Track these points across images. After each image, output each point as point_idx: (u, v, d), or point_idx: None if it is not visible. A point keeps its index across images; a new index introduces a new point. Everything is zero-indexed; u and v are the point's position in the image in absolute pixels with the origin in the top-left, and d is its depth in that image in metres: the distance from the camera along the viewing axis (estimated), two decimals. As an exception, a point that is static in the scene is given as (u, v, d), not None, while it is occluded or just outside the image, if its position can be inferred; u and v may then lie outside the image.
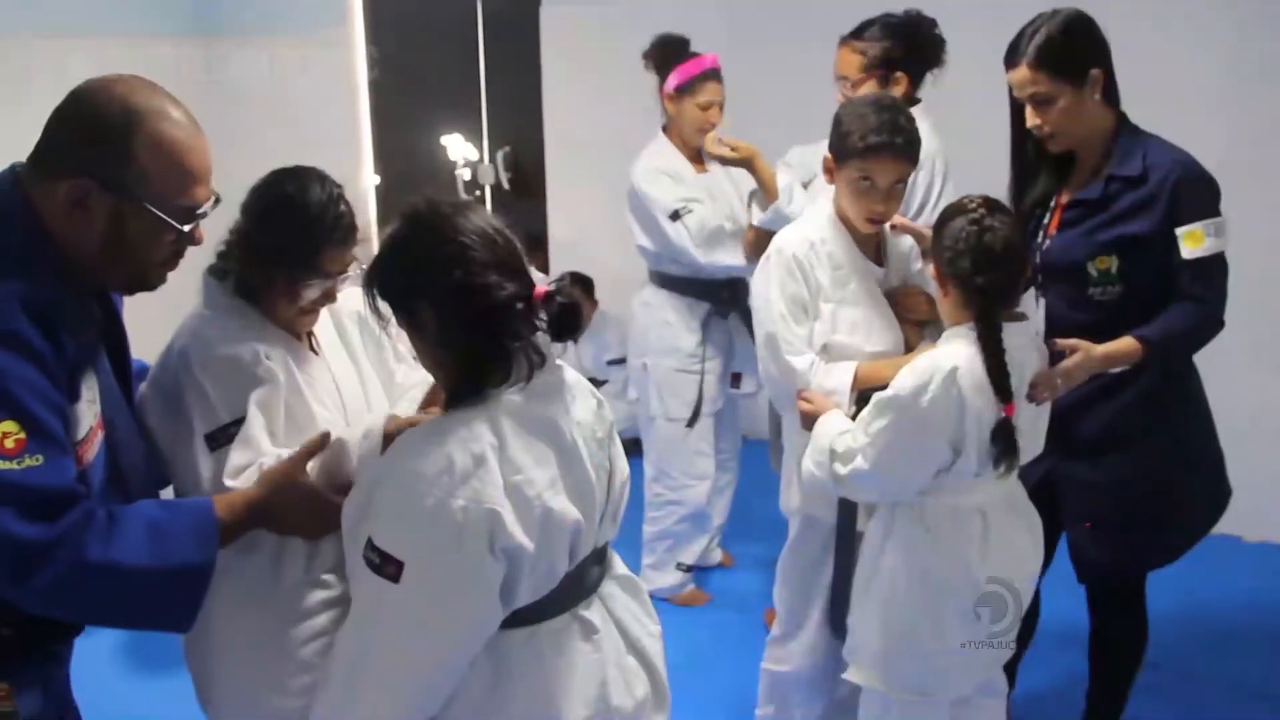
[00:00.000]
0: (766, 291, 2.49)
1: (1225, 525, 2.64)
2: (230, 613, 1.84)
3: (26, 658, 1.67)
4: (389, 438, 1.76)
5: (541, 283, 1.61)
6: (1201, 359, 2.54)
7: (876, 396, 2.18)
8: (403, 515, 1.50)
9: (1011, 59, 2.43)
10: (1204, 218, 2.35)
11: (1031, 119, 2.44)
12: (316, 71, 6.48)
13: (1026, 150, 2.56)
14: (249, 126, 7.11)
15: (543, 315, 1.59)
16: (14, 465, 1.45)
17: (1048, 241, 2.53)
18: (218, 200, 1.71)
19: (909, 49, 3.10)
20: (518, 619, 1.59)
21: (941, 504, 2.21)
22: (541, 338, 1.62)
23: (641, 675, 1.76)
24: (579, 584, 1.67)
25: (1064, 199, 2.53)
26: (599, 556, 1.73)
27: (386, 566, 1.49)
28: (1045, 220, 2.55)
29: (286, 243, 1.85)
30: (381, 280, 1.60)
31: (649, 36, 3.58)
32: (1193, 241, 2.35)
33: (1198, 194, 2.38)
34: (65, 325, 1.54)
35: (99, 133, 1.57)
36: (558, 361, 1.68)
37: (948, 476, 2.17)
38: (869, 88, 3.11)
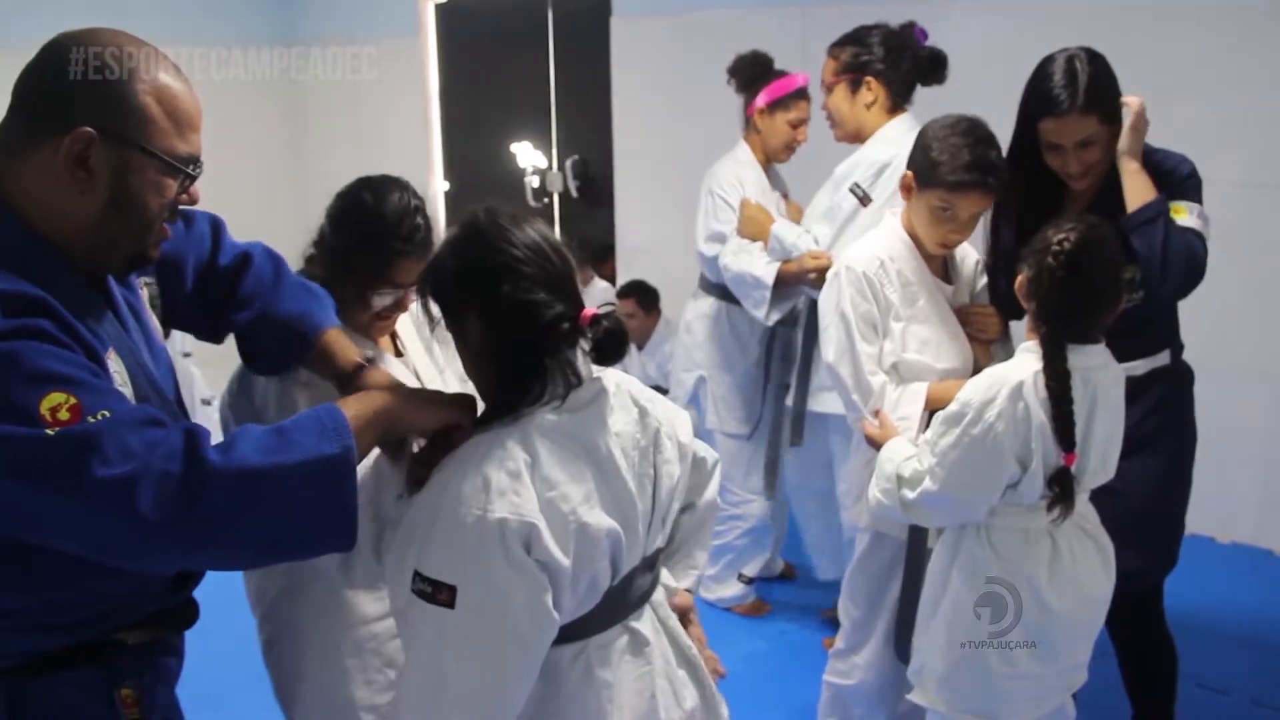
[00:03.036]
0: (837, 309, 2.48)
1: (1198, 526, 2.65)
2: (313, 612, 1.89)
3: (150, 661, 1.62)
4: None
5: (596, 300, 1.58)
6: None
7: (941, 413, 2.16)
8: (446, 539, 1.47)
9: (1057, 108, 2.37)
10: (1192, 201, 2.39)
11: (1076, 165, 2.41)
12: (389, 80, 6.58)
13: (1040, 186, 2.51)
14: (323, 133, 7.25)
15: (588, 337, 1.55)
16: (57, 429, 1.29)
17: None
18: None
19: (883, 56, 3.11)
20: (566, 634, 1.57)
21: (1010, 526, 2.17)
22: (582, 356, 1.59)
23: (691, 686, 1.74)
24: (628, 595, 1.65)
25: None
26: (649, 565, 1.70)
27: (439, 594, 1.45)
28: None
29: (357, 250, 1.86)
30: (434, 284, 1.59)
31: (718, 48, 3.61)
32: (1176, 213, 2.36)
33: (1194, 184, 2.42)
34: (73, 313, 1.41)
35: (106, 94, 1.44)
36: (595, 374, 1.64)
37: (1014, 494, 2.14)
38: (840, 91, 3.18)
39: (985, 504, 2.15)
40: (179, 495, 1.28)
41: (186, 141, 1.52)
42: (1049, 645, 2.19)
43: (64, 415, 1.29)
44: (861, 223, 3.09)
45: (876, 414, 2.42)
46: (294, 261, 2.00)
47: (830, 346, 2.51)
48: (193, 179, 1.54)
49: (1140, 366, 2.47)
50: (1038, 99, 2.42)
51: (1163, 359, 2.52)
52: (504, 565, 1.46)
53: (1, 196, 1.43)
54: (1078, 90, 2.36)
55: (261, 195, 7.02)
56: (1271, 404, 4.03)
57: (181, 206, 1.57)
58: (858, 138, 3.21)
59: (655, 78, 5.43)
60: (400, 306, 1.95)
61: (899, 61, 3.13)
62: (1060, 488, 2.10)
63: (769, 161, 3.63)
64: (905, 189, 2.44)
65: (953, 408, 2.13)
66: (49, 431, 1.27)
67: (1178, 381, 2.57)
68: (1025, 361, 2.12)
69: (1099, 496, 2.48)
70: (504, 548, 1.45)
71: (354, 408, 1.47)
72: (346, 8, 6.91)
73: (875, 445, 2.38)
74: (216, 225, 1.84)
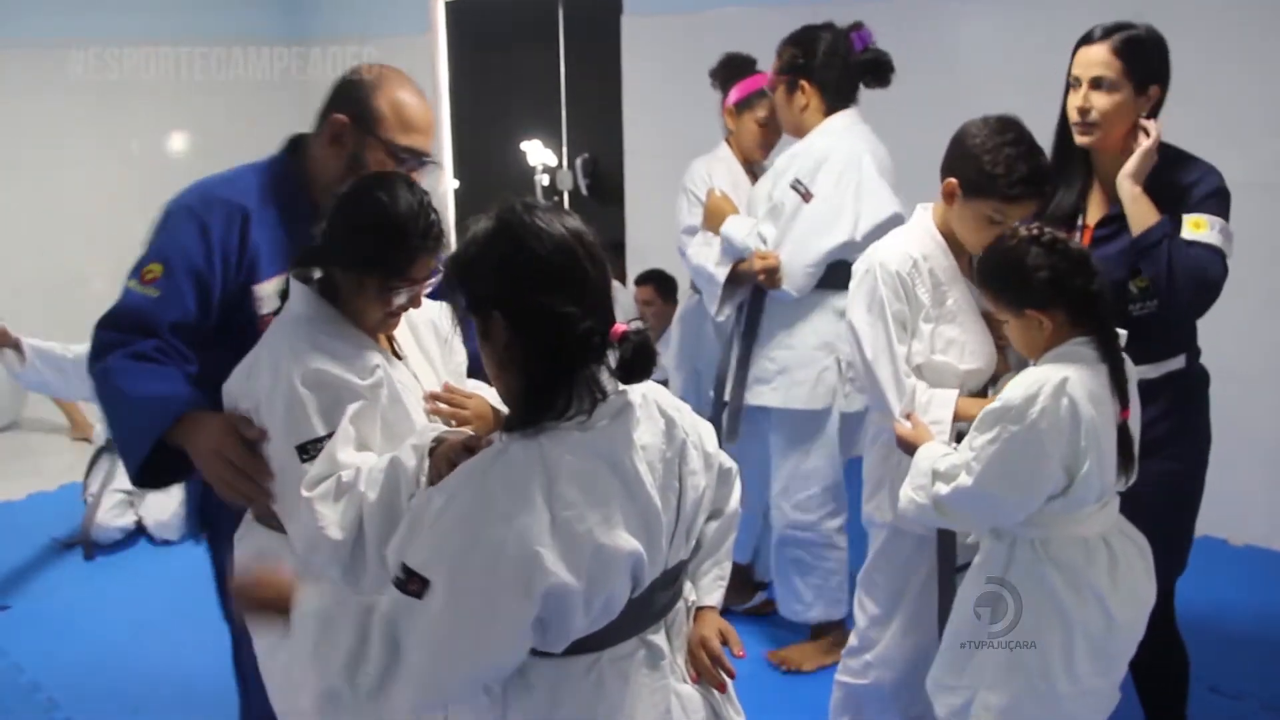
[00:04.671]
0: (874, 307, 2.43)
1: (1213, 528, 2.61)
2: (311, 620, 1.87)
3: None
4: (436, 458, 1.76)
5: (619, 303, 1.56)
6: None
7: (984, 411, 2.09)
8: (441, 544, 1.46)
9: (1090, 39, 2.42)
10: (1215, 215, 2.35)
11: (1081, 100, 2.41)
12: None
13: (1065, 158, 2.51)
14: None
15: (615, 353, 1.51)
16: (138, 286, 2.06)
17: None
18: (434, 164, 2.26)
19: (819, 61, 3.10)
20: (579, 646, 1.54)
21: (1067, 535, 2.11)
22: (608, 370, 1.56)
23: (699, 701, 1.69)
24: (647, 609, 1.61)
25: (1090, 219, 2.51)
26: (670, 579, 1.66)
27: (410, 583, 1.45)
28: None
29: (381, 250, 1.85)
30: (460, 275, 1.55)
31: (729, 46, 3.60)
32: (1195, 226, 2.32)
33: (1220, 199, 2.38)
34: (266, 233, 2.14)
35: (356, 89, 2.17)
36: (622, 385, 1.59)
37: (1063, 504, 2.07)
38: (780, 93, 3.18)
39: (1022, 508, 2.08)
40: (98, 360, 2.04)
41: (408, 137, 2.17)
42: (1111, 657, 2.15)
43: (148, 276, 2.07)
44: (806, 219, 3.08)
45: (909, 416, 2.37)
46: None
47: (867, 345, 2.44)
48: (412, 166, 2.15)
49: (1154, 370, 2.43)
50: (1084, 33, 2.45)
51: (1177, 363, 2.49)
52: (488, 584, 1.43)
53: (305, 159, 2.23)
54: (1114, 31, 2.39)
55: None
56: (1284, 406, 4.00)
57: None
58: (797, 137, 3.21)
59: (666, 76, 5.42)
60: (414, 302, 1.95)
61: (830, 66, 3.11)
62: (1125, 447, 2.09)
63: (748, 161, 3.62)
64: (949, 196, 2.38)
65: (995, 404, 2.07)
66: (130, 283, 2.09)
67: (1192, 385, 2.54)
68: (1063, 363, 2.06)
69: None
70: (494, 572, 1.42)
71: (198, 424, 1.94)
72: (356, 6, 6.91)
73: (907, 448, 2.32)
74: None
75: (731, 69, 3.56)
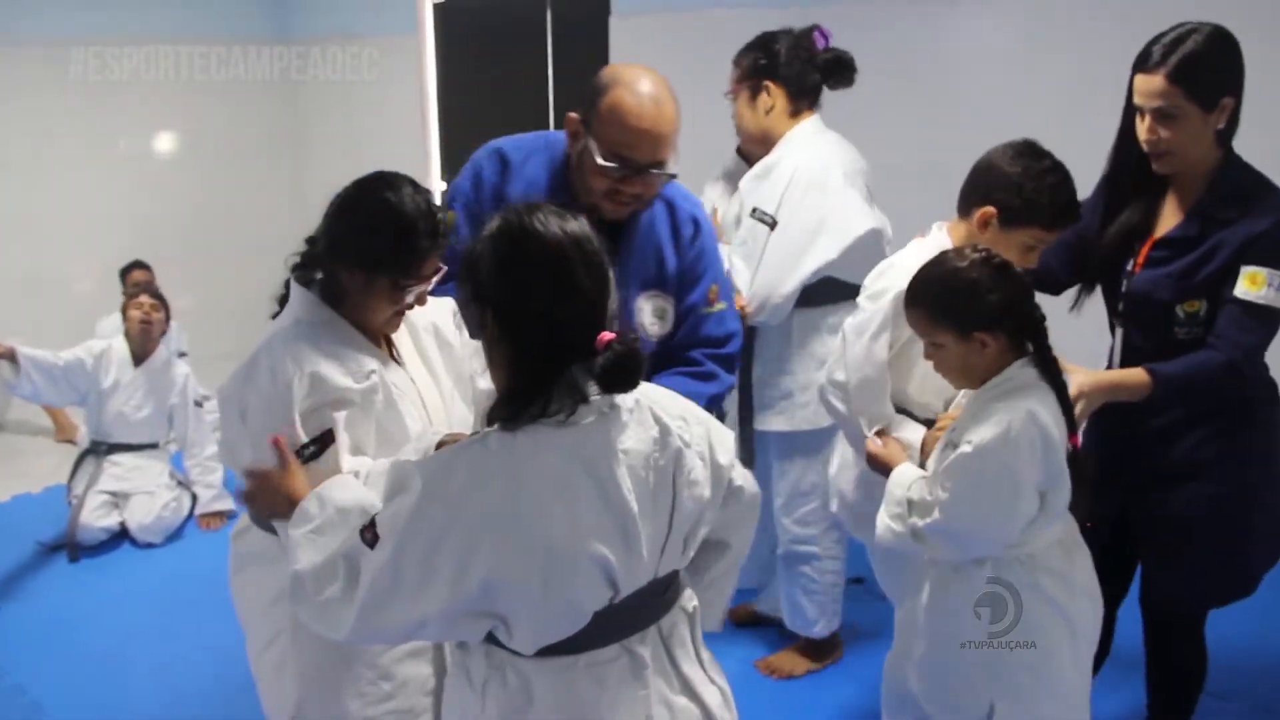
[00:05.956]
0: (873, 333, 2.37)
1: None
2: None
3: None
4: None
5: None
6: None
7: (956, 457, 2.05)
8: (397, 509, 1.51)
9: (1146, 64, 2.27)
10: (1275, 267, 2.24)
11: (1148, 132, 2.30)
12: (388, 79, 6.58)
13: (1128, 172, 2.42)
14: (322, 131, 7.24)
15: (600, 363, 1.52)
16: None
17: (1134, 275, 2.42)
18: (671, 176, 2.33)
19: (782, 61, 3.06)
20: (556, 649, 1.55)
21: (1047, 543, 2.11)
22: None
23: (695, 713, 1.68)
24: (629, 617, 1.60)
25: (1160, 231, 2.41)
26: (660, 588, 1.65)
27: (367, 531, 1.52)
28: (1134, 252, 2.44)
29: (393, 249, 1.87)
30: (464, 270, 1.59)
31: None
32: (1251, 283, 2.25)
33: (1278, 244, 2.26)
34: (520, 187, 2.37)
35: (592, 90, 2.28)
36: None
37: (1043, 521, 2.07)
38: (742, 99, 3.11)
39: (1002, 540, 2.06)
40: None
41: (621, 147, 2.23)
42: (1093, 645, 2.17)
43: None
44: (774, 249, 2.99)
45: (880, 433, 2.34)
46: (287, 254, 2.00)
47: (854, 370, 2.39)
48: (618, 173, 2.24)
49: None
50: (1140, 52, 2.31)
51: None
52: (426, 558, 1.47)
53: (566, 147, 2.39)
54: (1171, 55, 2.23)
55: (260, 192, 7.02)
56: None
57: None
58: (763, 144, 3.12)
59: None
60: (420, 300, 1.97)
61: (794, 64, 3.07)
62: (1076, 472, 2.07)
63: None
64: (983, 224, 2.32)
65: (965, 450, 2.03)
66: None
67: (1252, 406, 2.43)
68: (1018, 397, 2.05)
69: (1152, 522, 2.47)
70: (435, 550, 1.47)
71: None
72: (345, 6, 6.89)
73: (880, 467, 2.29)
74: None
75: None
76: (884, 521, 2.17)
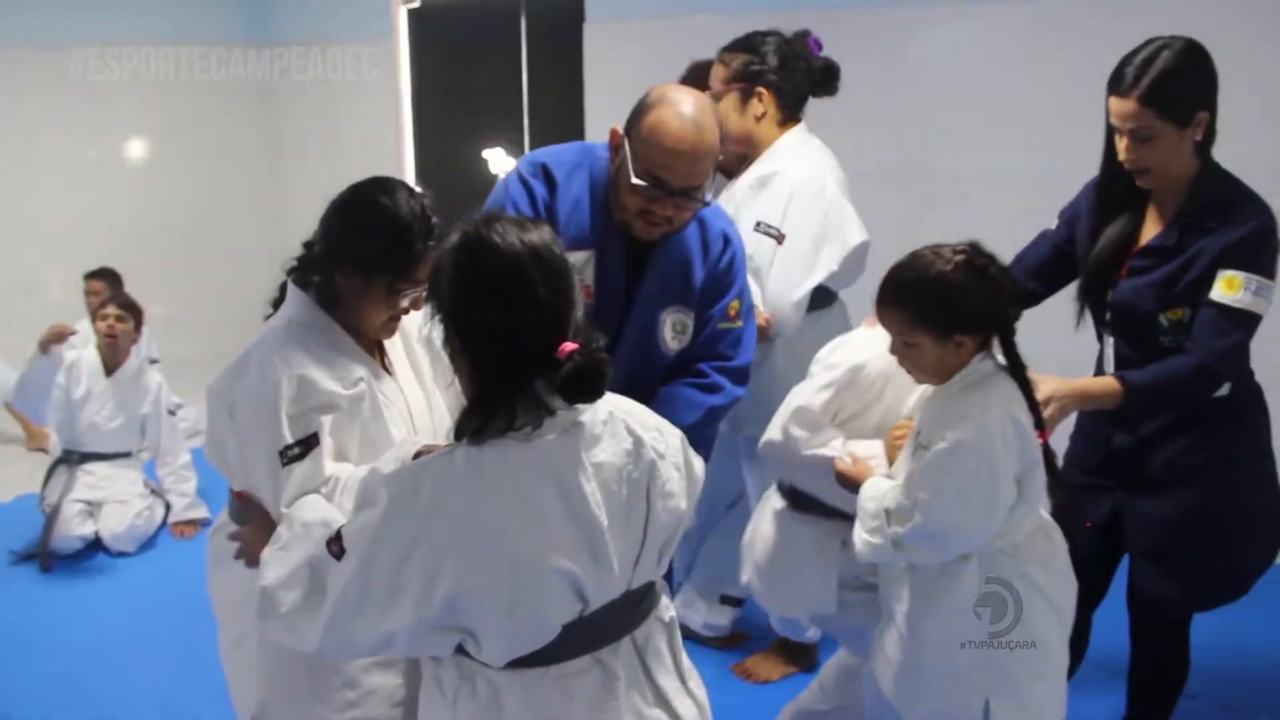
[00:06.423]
0: (818, 384, 2.34)
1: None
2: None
3: None
4: None
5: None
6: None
7: (932, 455, 2.06)
8: (364, 523, 1.52)
9: (1119, 87, 2.30)
10: (1252, 271, 2.27)
11: (1127, 152, 2.33)
12: (362, 83, 6.56)
13: (1116, 184, 2.44)
14: (297, 135, 7.21)
15: (561, 373, 1.52)
16: None
17: (1119, 285, 2.45)
18: (704, 204, 2.34)
19: (776, 66, 3.04)
20: (525, 660, 1.55)
21: (1028, 532, 2.14)
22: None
23: None
24: (600, 629, 1.60)
25: (1144, 239, 2.44)
26: (634, 600, 1.65)
27: (334, 543, 1.53)
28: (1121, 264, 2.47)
29: (390, 252, 1.89)
30: (431, 287, 1.61)
31: (691, 54, 3.59)
32: (1228, 286, 2.27)
33: (1260, 247, 2.29)
34: (566, 207, 2.37)
35: (637, 107, 2.30)
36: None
37: (1023, 510, 2.09)
38: (730, 101, 3.06)
39: (985, 532, 2.07)
40: None
41: (654, 167, 2.23)
42: (1068, 635, 2.20)
43: None
44: (782, 262, 2.95)
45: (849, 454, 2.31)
46: (271, 265, 1.99)
47: (801, 395, 2.36)
48: (650, 193, 2.24)
49: None
50: (1113, 72, 2.33)
51: (1223, 388, 2.40)
52: (391, 575, 1.48)
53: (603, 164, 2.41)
54: (1143, 77, 2.26)
55: (235, 197, 6.99)
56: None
57: None
58: (744, 146, 3.09)
59: (628, 84, 5.33)
60: (415, 304, 1.97)
61: (792, 73, 3.05)
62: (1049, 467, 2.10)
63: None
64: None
65: (940, 447, 2.04)
66: None
67: (1240, 408, 2.45)
68: (985, 389, 2.08)
69: (1141, 523, 2.50)
70: (400, 566, 1.47)
71: None
72: (319, 10, 6.87)
73: (850, 484, 2.26)
74: None
75: (700, 76, 3.42)
76: (861, 537, 2.17)
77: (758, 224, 2.99)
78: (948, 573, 2.15)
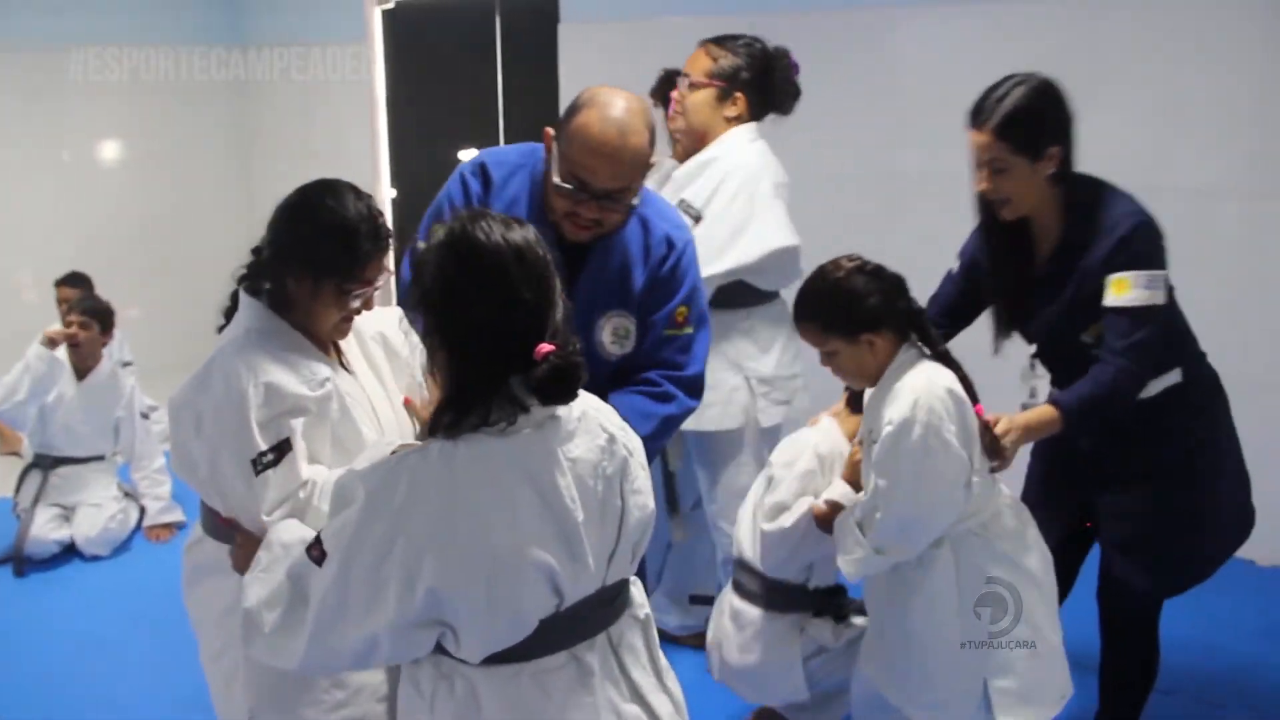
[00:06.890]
0: (804, 450, 2.57)
1: (1240, 549, 2.63)
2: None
3: None
4: None
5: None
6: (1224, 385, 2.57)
7: (882, 443, 2.15)
8: (342, 525, 1.53)
9: (975, 120, 2.39)
10: (1137, 268, 2.33)
11: (984, 182, 2.41)
12: (337, 84, 6.54)
13: (994, 219, 2.50)
14: (271, 136, 7.18)
15: (536, 374, 1.53)
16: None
17: (1034, 317, 2.53)
18: (628, 208, 2.28)
19: (759, 76, 3.09)
20: (501, 657, 1.56)
21: (994, 511, 2.23)
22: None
23: None
24: (576, 625, 1.61)
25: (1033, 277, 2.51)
26: (609, 596, 1.66)
27: (314, 549, 1.54)
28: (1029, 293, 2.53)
29: (338, 254, 1.89)
30: (413, 277, 1.61)
31: (666, 55, 3.60)
32: (1118, 289, 2.33)
33: (1138, 244, 2.35)
34: (501, 205, 2.31)
35: (569, 107, 2.26)
36: None
37: (979, 483, 2.18)
38: (706, 94, 3.09)
39: (952, 506, 2.14)
40: None
41: (578, 169, 2.20)
42: (1054, 605, 2.30)
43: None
44: (697, 242, 2.88)
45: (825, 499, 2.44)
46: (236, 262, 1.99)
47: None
48: (573, 195, 2.21)
49: (1151, 387, 2.43)
50: (972, 105, 2.41)
51: (1173, 377, 2.46)
52: (372, 574, 1.49)
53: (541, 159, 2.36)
54: (995, 111, 2.35)
55: (209, 199, 6.95)
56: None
57: None
58: (701, 140, 3.12)
59: (603, 84, 5.40)
60: (367, 305, 1.98)
61: (769, 85, 3.11)
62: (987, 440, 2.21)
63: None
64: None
65: (885, 432, 2.14)
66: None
67: (1200, 395, 2.52)
68: (914, 370, 2.18)
69: (1112, 516, 2.55)
70: (380, 565, 1.48)
71: None
72: (294, 11, 6.84)
73: (828, 526, 2.39)
74: None
75: (668, 84, 3.49)
76: (846, 560, 2.26)
77: (680, 201, 3.01)
78: (923, 562, 2.19)
